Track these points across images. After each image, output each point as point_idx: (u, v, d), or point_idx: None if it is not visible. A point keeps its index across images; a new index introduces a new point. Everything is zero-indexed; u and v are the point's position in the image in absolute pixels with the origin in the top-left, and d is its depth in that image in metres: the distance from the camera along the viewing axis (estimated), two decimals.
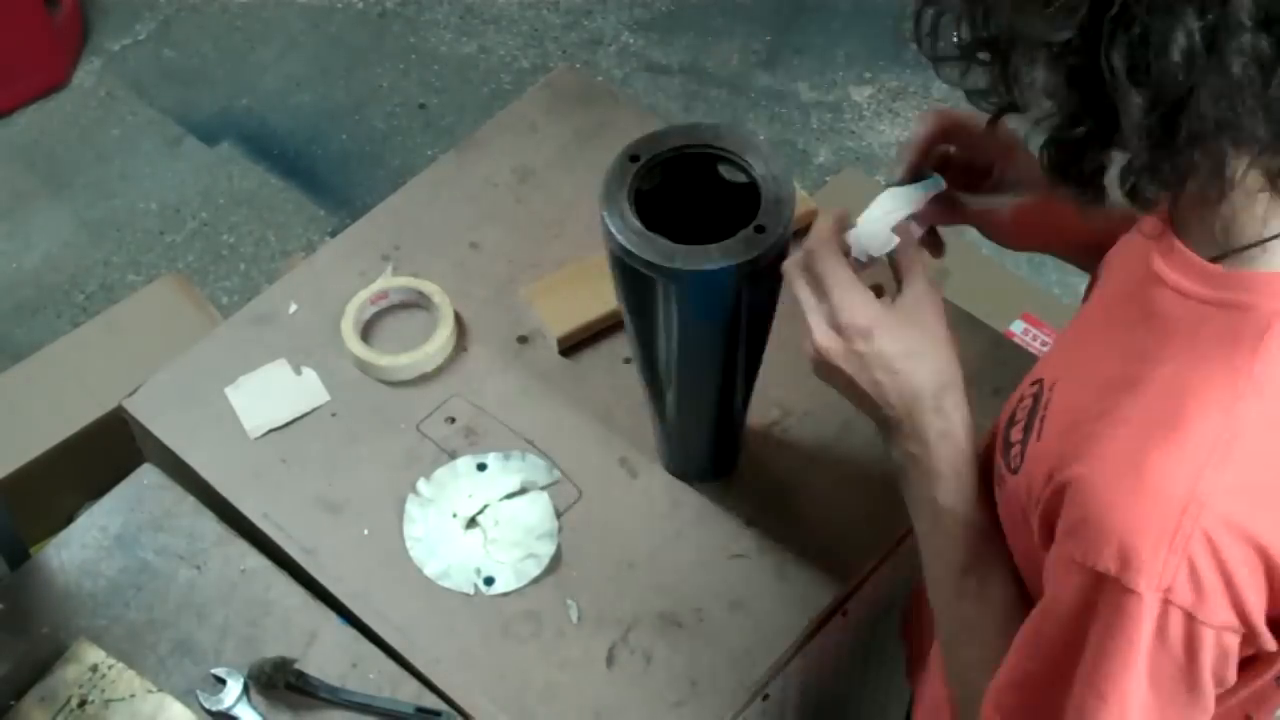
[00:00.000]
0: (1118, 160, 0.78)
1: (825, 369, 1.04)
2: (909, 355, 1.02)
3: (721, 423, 1.28)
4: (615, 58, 3.09)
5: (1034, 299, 2.18)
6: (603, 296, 1.43)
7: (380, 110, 2.98)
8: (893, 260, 1.07)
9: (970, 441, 1.04)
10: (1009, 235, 1.17)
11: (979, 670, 0.99)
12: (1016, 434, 0.97)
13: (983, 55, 0.80)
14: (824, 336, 1.03)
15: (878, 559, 1.31)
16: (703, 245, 1.09)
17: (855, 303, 1.02)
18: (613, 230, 1.11)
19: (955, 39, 0.82)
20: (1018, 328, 2.12)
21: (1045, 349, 1.02)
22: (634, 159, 1.14)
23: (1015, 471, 0.96)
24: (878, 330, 1.02)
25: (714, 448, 1.32)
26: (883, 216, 1.09)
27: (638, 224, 1.11)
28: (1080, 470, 0.86)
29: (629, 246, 1.10)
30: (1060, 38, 0.75)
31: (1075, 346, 1.00)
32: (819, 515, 1.32)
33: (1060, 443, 0.90)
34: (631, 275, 1.12)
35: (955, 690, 1.06)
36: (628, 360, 1.40)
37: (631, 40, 3.11)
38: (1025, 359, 1.44)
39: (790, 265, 1.05)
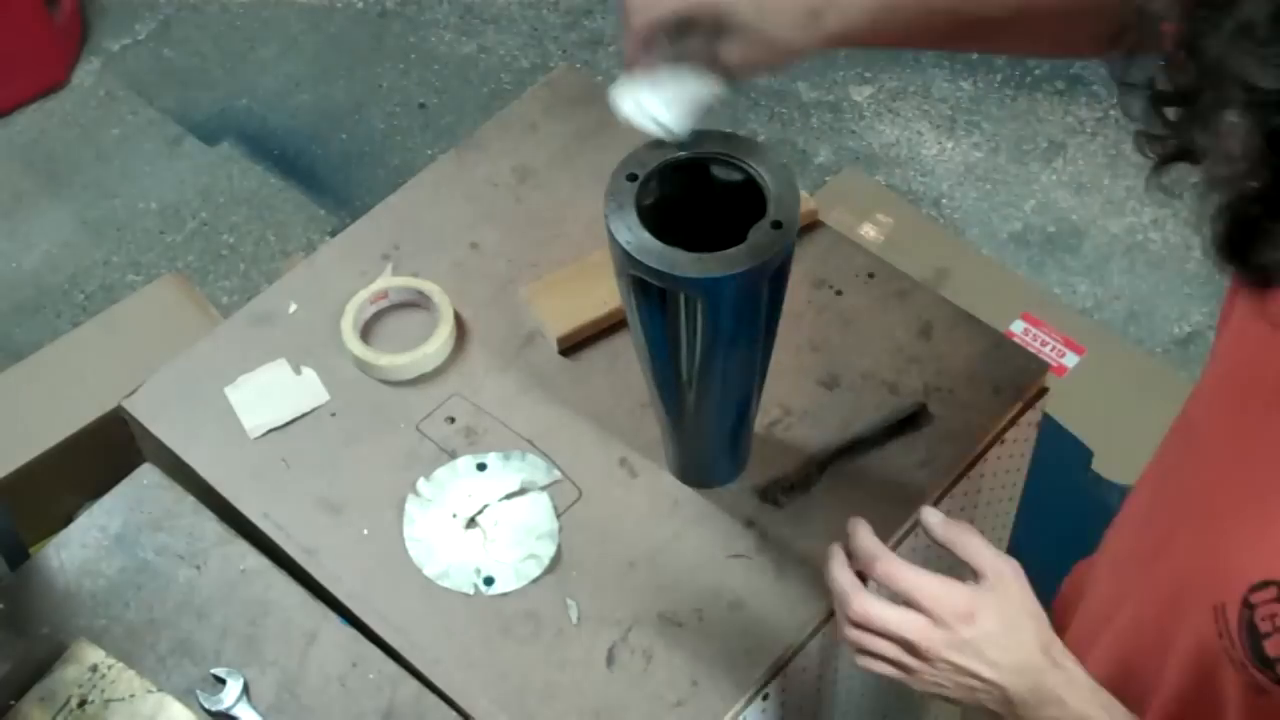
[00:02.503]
0: None
1: (914, 670, 1.02)
2: (1013, 626, 1.00)
3: (738, 426, 1.28)
4: (615, 58, 3.09)
5: (1034, 299, 2.18)
6: (602, 296, 1.43)
7: (380, 110, 2.98)
8: (953, 549, 1.05)
9: (1089, 679, 1.01)
10: (740, 56, 1.10)
11: None
12: (1276, 648, 0.86)
13: (1175, 92, 0.71)
14: (922, 635, 1.00)
15: None
16: (722, 250, 1.08)
17: (949, 591, 1.00)
18: (630, 251, 1.09)
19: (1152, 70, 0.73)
20: (1018, 328, 2.12)
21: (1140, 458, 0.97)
22: (632, 177, 1.13)
23: None
24: (980, 612, 1.00)
25: (730, 451, 1.32)
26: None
27: (653, 240, 1.09)
28: None
29: (655, 265, 1.08)
30: (1271, 84, 0.65)
31: None
32: (819, 515, 1.32)
33: None
34: (650, 291, 1.11)
35: None
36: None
37: None
38: (1025, 359, 1.44)
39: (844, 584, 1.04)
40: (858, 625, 1.03)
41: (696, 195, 1.16)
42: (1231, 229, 0.71)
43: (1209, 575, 0.91)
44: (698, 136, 1.14)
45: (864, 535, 1.06)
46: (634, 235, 1.10)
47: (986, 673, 1.00)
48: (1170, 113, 0.72)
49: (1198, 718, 0.98)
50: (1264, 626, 0.87)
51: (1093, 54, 1.14)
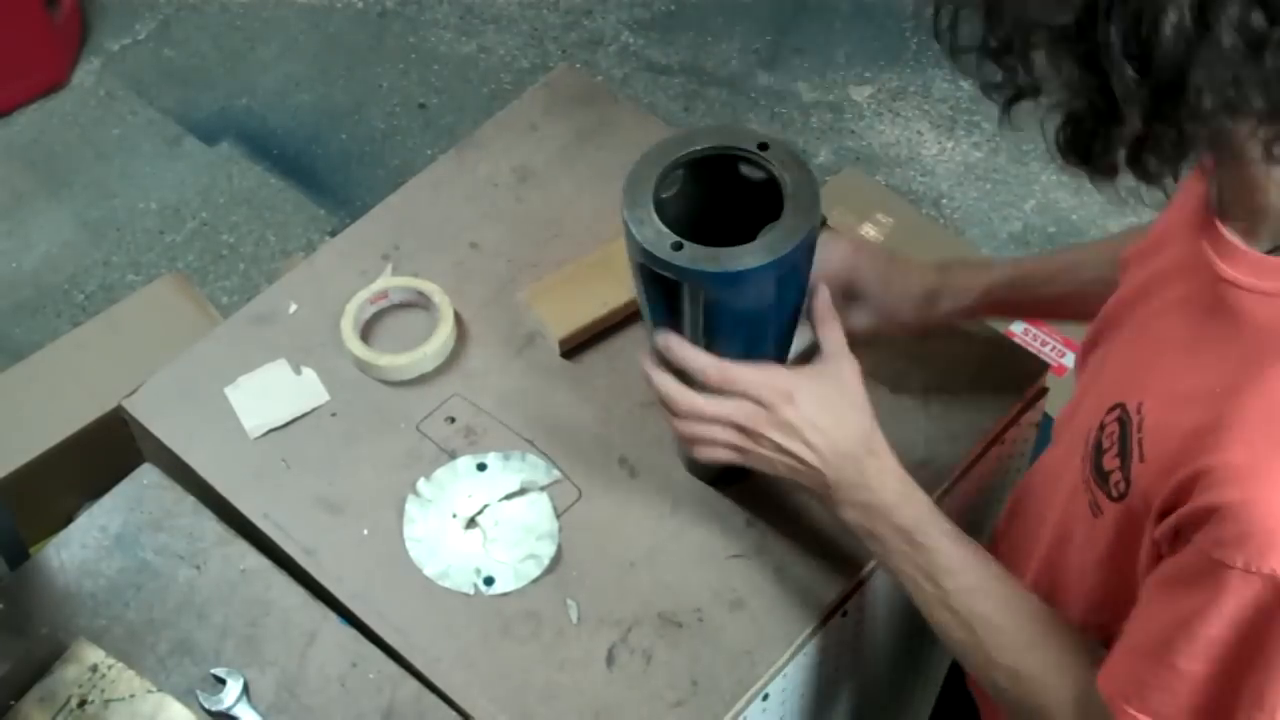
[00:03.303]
0: (1125, 138, 0.80)
1: (747, 450, 1.13)
2: (833, 412, 1.10)
3: None
4: (615, 58, 3.09)
5: None
6: (602, 297, 1.43)
7: (380, 110, 2.98)
8: (815, 329, 1.15)
9: (903, 471, 1.11)
10: (862, 323, 1.28)
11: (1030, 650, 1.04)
12: (1111, 461, 0.98)
13: (996, 45, 0.82)
14: (747, 416, 1.10)
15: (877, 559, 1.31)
16: (743, 244, 1.09)
17: (770, 375, 1.11)
18: (649, 248, 1.09)
19: (971, 33, 0.84)
20: (1018, 328, 2.12)
21: (1104, 370, 1.06)
22: (650, 171, 1.14)
23: (1121, 497, 0.97)
24: (799, 394, 1.10)
25: None
26: None
27: (669, 233, 1.09)
28: (1226, 490, 0.85)
29: (675, 261, 1.08)
30: (1061, 21, 0.78)
31: (1149, 364, 0.99)
32: (819, 515, 1.32)
33: (1175, 459, 0.90)
34: (663, 284, 1.11)
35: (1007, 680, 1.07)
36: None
37: (631, 40, 3.11)
38: (1025, 359, 1.44)
39: (652, 369, 1.15)
40: (689, 417, 1.13)
41: (716, 191, 1.16)
42: (1070, 136, 0.83)
43: (1087, 413, 1.04)
44: (718, 132, 1.16)
45: (681, 348, 1.13)
46: (650, 229, 1.10)
47: (804, 453, 1.10)
48: (998, 66, 0.83)
49: (1061, 557, 1.09)
50: (1106, 443, 0.99)
51: None
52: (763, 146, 1.14)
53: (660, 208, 1.12)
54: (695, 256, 1.08)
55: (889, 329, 1.30)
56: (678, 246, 1.09)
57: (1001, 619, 1.06)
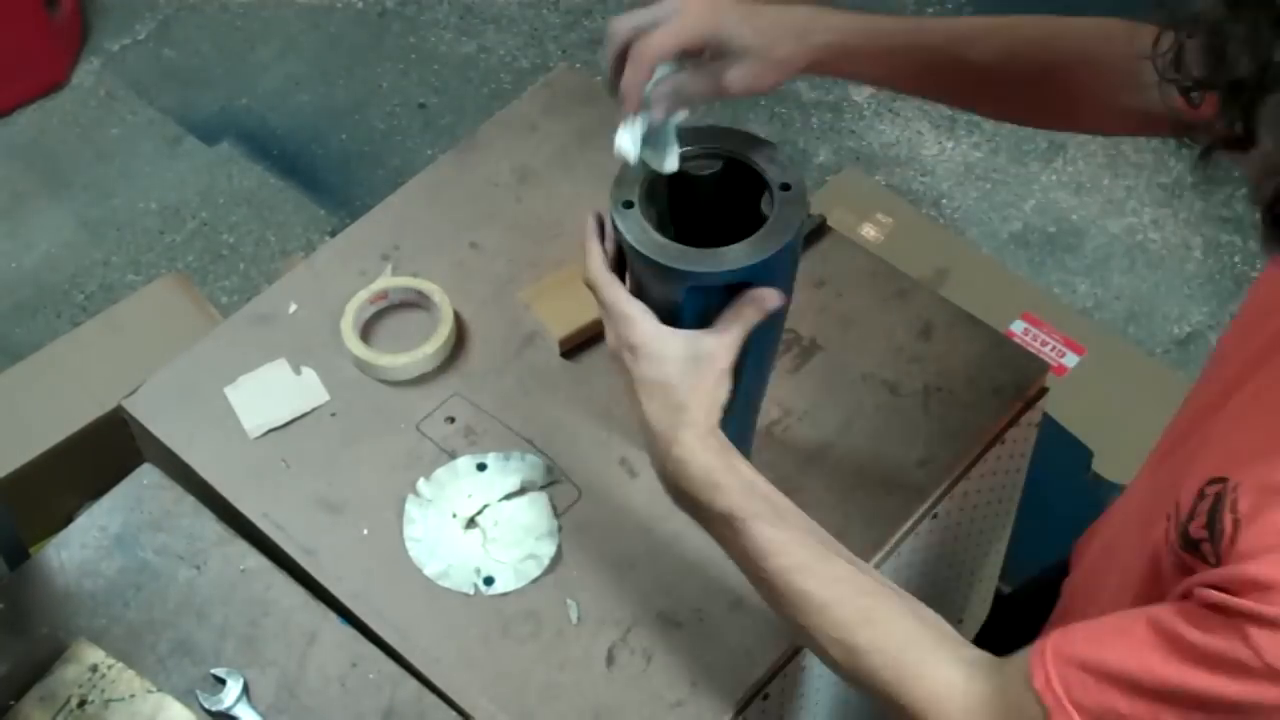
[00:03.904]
0: None
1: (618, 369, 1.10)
2: (653, 383, 1.06)
3: (750, 422, 1.27)
4: None
5: (1034, 299, 2.18)
6: None
7: (380, 110, 2.98)
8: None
9: (717, 453, 1.06)
10: (744, 81, 1.14)
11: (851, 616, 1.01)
12: (1199, 531, 0.91)
13: (1227, 86, 0.75)
14: (610, 343, 1.09)
15: (877, 559, 1.31)
16: (739, 242, 1.08)
17: (632, 323, 1.07)
18: (645, 251, 1.08)
19: (1197, 70, 0.77)
20: (1018, 328, 2.12)
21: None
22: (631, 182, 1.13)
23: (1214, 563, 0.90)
24: (642, 350, 1.06)
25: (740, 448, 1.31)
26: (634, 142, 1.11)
27: (657, 235, 1.09)
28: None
29: (677, 265, 1.07)
30: None
31: (1253, 440, 0.92)
32: (819, 515, 1.31)
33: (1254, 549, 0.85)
34: (675, 289, 1.09)
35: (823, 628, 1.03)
36: None
37: None
38: (1025, 359, 1.44)
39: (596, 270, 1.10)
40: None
41: (705, 192, 1.16)
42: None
43: (1177, 481, 0.96)
44: (710, 132, 1.15)
45: (598, 266, 1.10)
46: (642, 232, 1.09)
47: (632, 410, 1.07)
48: (1211, 102, 0.76)
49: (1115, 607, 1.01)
50: (1199, 516, 0.91)
51: (1070, 126, 1.24)
52: (785, 187, 1.11)
53: (691, 186, 1.12)
54: (633, 227, 1.08)
55: (770, 75, 1.14)
56: (628, 205, 1.10)
57: (828, 594, 1.02)
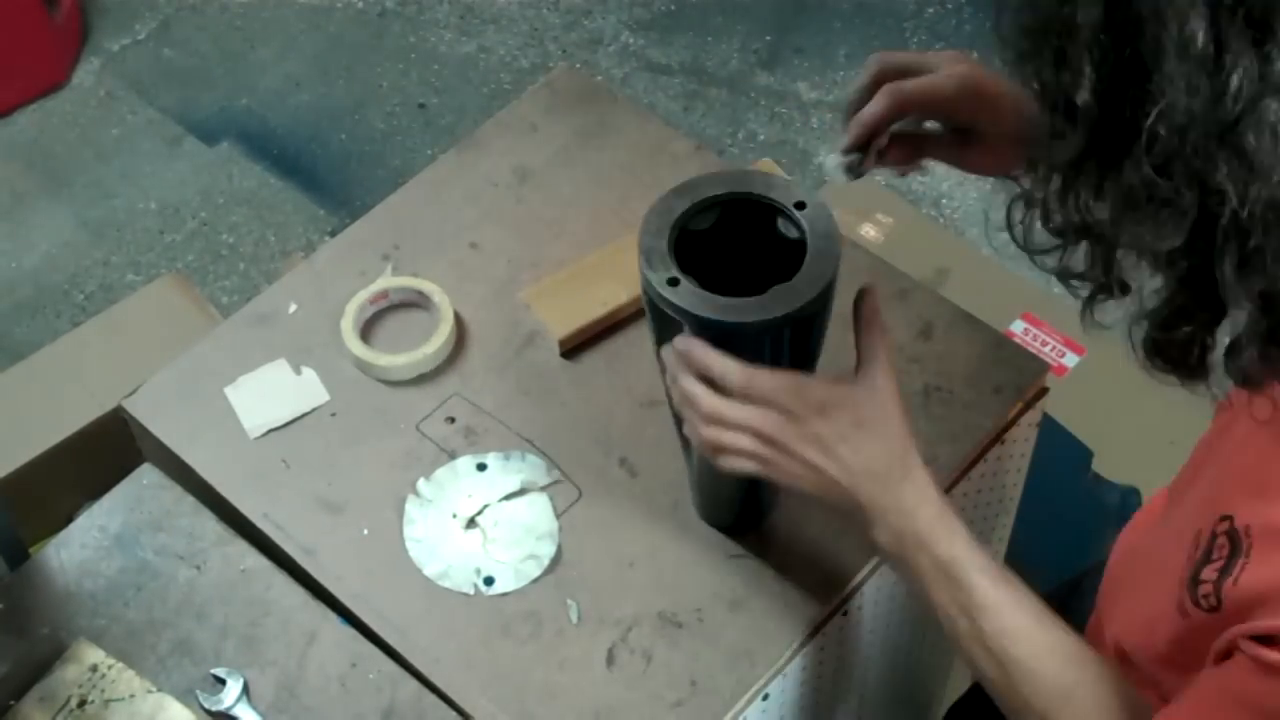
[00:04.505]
0: (1222, 343, 0.77)
1: (771, 462, 1.05)
2: (868, 428, 1.03)
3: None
4: (615, 58, 3.09)
5: (1034, 299, 2.18)
6: (602, 297, 1.43)
7: (380, 110, 2.98)
8: (858, 335, 1.07)
9: (942, 497, 1.05)
10: (982, 163, 1.15)
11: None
12: (1210, 573, 0.91)
13: (1082, 243, 0.78)
14: (774, 426, 1.02)
15: (878, 559, 1.31)
16: (748, 296, 1.05)
17: (804, 385, 1.03)
18: (648, 277, 1.06)
19: (1051, 228, 0.79)
20: (1018, 328, 2.12)
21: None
22: (667, 216, 1.10)
23: (1212, 610, 0.91)
24: (835, 409, 1.02)
25: (754, 497, 1.29)
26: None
27: (673, 268, 1.06)
28: None
29: (668, 296, 1.05)
30: (1168, 246, 0.74)
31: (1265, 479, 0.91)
32: (819, 515, 1.32)
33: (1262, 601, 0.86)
34: (670, 322, 1.07)
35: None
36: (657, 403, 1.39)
37: (631, 40, 3.11)
38: (1025, 359, 1.44)
39: (682, 376, 1.05)
40: (712, 423, 1.04)
41: (751, 234, 1.13)
42: (1159, 343, 0.79)
43: (1204, 506, 0.95)
44: (760, 179, 1.13)
45: (703, 353, 1.04)
46: (657, 258, 1.07)
47: (834, 471, 1.02)
48: (1082, 260, 0.79)
49: (1140, 638, 1.02)
50: (1215, 555, 0.90)
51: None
52: (800, 205, 1.09)
53: (691, 240, 1.09)
54: (690, 297, 1.05)
55: (1006, 159, 1.11)
56: (674, 282, 1.05)
57: (1037, 665, 1.01)
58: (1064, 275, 0.81)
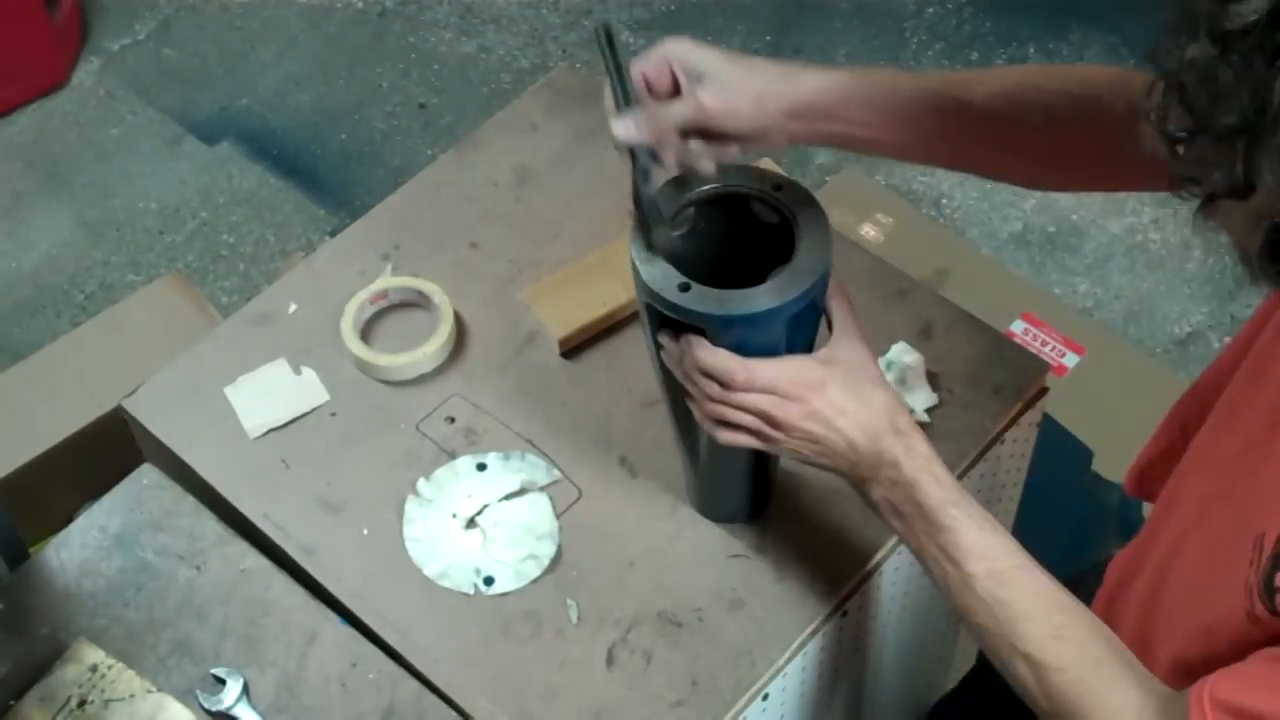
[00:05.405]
0: None
1: (774, 439, 1.10)
2: (859, 395, 1.08)
3: (758, 465, 1.25)
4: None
5: (1034, 299, 2.18)
6: (602, 297, 1.43)
7: (380, 110, 2.98)
8: (825, 307, 1.12)
9: (930, 446, 1.09)
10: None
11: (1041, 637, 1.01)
12: None
13: (1223, 132, 0.76)
14: (778, 407, 1.08)
15: (878, 559, 1.31)
16: (752, 287, 1.06)
17: (800, 368, 1.08)
18: (656, 289, 1.07)
19: (1192, 118, 0.78)
20: (1018, 328, 2.12)
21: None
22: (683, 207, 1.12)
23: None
24: (829, 384, 1.08)
25: (749, 490, 1.30)
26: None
27: (679, 275, 1.07)
28: None
29: (681, 303, 1.06)
30: None
31: None
32: (819, 515, 1.32)
33: None
34: (681, 328, 1.09)
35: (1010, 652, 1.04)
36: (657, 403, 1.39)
37: (631, 40, 3.11)
38: (1025, 359, 1.44)
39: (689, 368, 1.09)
40: (716, 402, 1.10)
41: (728, 230, 1.15)
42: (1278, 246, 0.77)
43: (1263, 505, 0.95)
44: (731, 171, 1.14)
45: (707, 352, 1.08)
46: (658, 268, 1.08)
47: (834, 440, 1.08)
48: (1216, 155, 0.77)
49: (1199, 647, 1.01)
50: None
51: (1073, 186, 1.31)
52: (777, 187, 1.12)
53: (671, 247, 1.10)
54: (703, 299, 1.06)
55: (749, 142, 1.16)
56: (685, 288, 1.07)
57: (1025, 606, 1.03)
58: (1185, 175, 0.80)
